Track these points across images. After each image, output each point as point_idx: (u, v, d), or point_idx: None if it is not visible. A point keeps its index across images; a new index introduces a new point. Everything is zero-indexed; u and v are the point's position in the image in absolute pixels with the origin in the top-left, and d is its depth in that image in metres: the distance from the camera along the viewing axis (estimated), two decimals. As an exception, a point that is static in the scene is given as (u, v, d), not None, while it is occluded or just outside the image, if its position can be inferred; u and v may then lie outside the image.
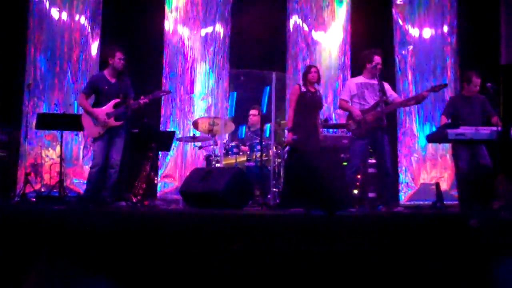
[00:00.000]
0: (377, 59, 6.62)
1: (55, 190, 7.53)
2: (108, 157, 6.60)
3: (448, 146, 9.52)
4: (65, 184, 7.81)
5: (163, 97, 8.93)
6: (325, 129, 8.20)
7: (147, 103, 6.63)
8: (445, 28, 10.02)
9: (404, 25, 10.03)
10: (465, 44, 9.91)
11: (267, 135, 8.11)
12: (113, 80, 6.67)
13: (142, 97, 6.61)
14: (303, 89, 6.86)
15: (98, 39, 9.42)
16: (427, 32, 10.05)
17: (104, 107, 6.55)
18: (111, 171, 6.58)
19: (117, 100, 6.58)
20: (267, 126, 8.01)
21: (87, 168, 8.75)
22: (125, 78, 6.72)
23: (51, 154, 8.79)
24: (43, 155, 8.73)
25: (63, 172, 7.59)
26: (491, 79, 6.94)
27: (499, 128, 6.21)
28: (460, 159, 6.76)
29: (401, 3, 10.06)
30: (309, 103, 6.81)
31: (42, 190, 8.02)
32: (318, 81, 6.99)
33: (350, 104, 6.70)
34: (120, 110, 6.55)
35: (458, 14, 10.00)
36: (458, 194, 7.07)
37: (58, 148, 8.24)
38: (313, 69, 6.93)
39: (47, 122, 7.57)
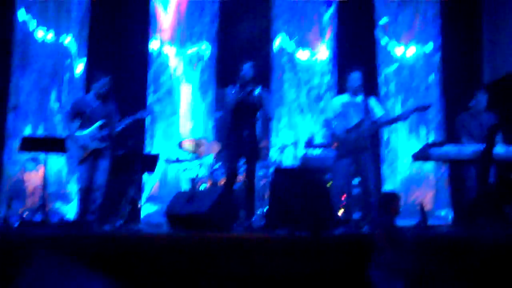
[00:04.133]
0: (353, 76, 6.63)
1: (38, 214, 7.45)
2: (93, 180, 6.68)
3: (432, 165, 9.56)
4: (48, 208, 7.73)
5: (148, 117, 8.96)
6: (310, 149, 8.19)
7: (131, 123, 6.66)
8: (429, 47, 10.10)
9: (388, 44, 10.10)
10: (449, 63, 10.00)
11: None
12: (96, 103, 6.76)
13: (126, 117, 6.69)
14: (236, 89, 6.47)
15: (84, 60, 9.40)
16: (411, 51, 10.12)
17: (88, 130, 6.64)
18: (97, 193, 6.68)
19: (101, 123, 6.65)
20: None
21: (71, 191, 8.73)
22: (109, 101, 6.82)
23: (35, 178, 8.72)
24: (26, 178, 8.68)
25: (46, 196, 7.50)
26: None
27: (483, 147, 6.24)
28: (469, 179, 6.76)
29: (385, 22, 10.13)
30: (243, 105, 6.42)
31: (25, 214, 7.94)
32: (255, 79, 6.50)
33: (333, 123, 6.68)
34: (103, 132, 6.63)
35: (441, 33, 10.09)
36: (465, 214, 7.10)
37: (41, 171, 8.18)
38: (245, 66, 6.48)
39: (31, 144, 7.49)
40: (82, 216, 6.65)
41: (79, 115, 6.76)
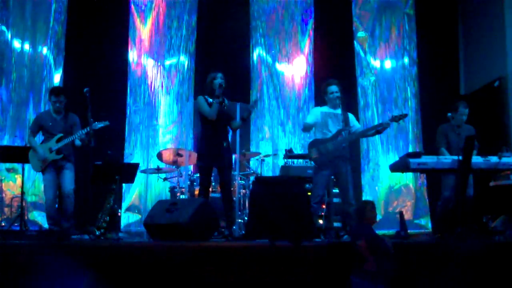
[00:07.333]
0: (332, 89, 6.68)
1: (16, 224, 7.37)
2: (62, 188, 6.86)
3: (411, 175, 9.65)
4: (26, 217, 7.65)
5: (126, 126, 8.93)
6: (289, 160, 8.22)
7: (88, 134, 6.73)
8: (406, 60, 10.23)
9: (366, 56, 10.21)
10: (426, 75, 10.14)
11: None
12: (58, 117, 6.95)
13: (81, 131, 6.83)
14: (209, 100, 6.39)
15: (61, 69, 9.35)
16: (389, 64, 10.25)
17: (47, 143, 6.83)
18: (67, 200, 6.84)
19: (60, 136, 6.82)
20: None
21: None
22: (71, 115, 7.00)
23: (12, 187, 8.66)
24: (4, 188, 8.61)
25: (24, 205, 7.43)
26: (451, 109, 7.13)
27: (460, 157, 6.30)
28: (446, 189, 6.79)
29: (363, 35, 10.24)
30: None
31: (3, 224, 7.86)
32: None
33: (312, 130, 6.75)
34: (60, 144, 6.79)
35: (417, 46, 10.23)
36: (437, 223, 7.14)
37: (19, 181, 8.09)
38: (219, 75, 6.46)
39: (9, 154, 7.43)
40: (52, 225, 6.75)
41: (41, 128, 6.95)
